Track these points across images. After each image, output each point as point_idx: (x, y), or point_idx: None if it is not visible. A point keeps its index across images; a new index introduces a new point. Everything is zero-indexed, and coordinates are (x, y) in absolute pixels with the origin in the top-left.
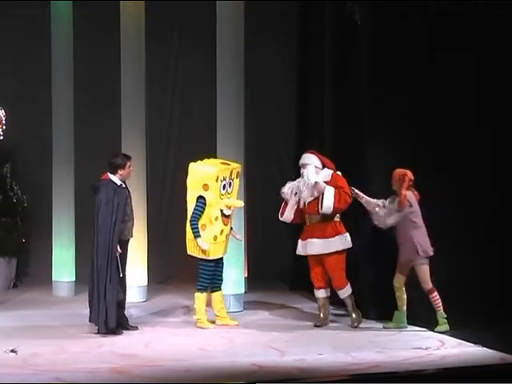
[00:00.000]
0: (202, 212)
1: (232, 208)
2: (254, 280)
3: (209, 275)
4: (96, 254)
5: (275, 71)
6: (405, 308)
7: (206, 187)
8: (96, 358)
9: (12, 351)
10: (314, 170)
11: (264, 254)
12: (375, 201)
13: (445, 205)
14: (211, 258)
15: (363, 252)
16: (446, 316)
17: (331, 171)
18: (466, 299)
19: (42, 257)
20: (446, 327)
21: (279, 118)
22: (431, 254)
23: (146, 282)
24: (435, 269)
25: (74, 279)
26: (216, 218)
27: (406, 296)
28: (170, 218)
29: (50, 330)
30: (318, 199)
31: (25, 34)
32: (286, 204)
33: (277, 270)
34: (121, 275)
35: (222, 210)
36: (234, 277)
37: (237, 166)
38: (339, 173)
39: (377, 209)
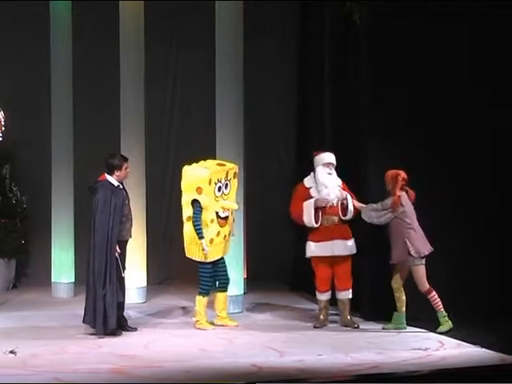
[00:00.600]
0: (201, 212)
1: (230, 210)
2: (254, 281)
3: (208, 277)
4: (93, 255)
5: (275, 71)
6: (404, 309)
7: (199, 190)
8: (95, 358)
9: (11, 352)
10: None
11: (263, 254)
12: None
13: (444, 204)
14: (209, 260)
15: (362, 253)
16: (446, 314)
17: None
18: (466, 300)
19: (42, 258)
20: (448, 325)
21: (279, 118)
22: (425, 253)
23: (145, 283)
24: (435, 269)
25: (73, 280)
26: (212, 221)
27: (404, 297)
28: (170, 219)
29: (50, 330)
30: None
31: (24, 34)
32: (301, 208)
33: (276, 271)
34: (123, 275)
35: (217, 213)
36: (234, 278)
37: (233, 167)
38: None
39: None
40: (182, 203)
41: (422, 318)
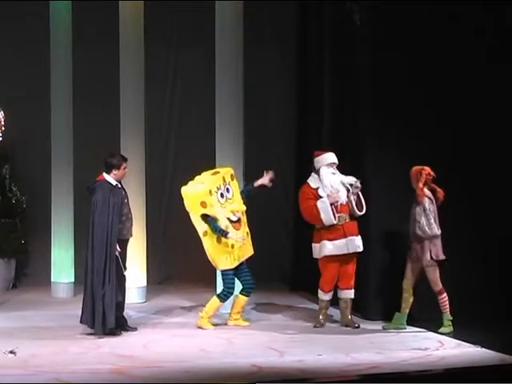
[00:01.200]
0: (216, 220)
1: (238, 212)
2: (254, 281)
3: (233, 284)
4: (91, 255)
5: (275, 71)
6: (407, 311)
7: (203, 204)
8: (95, 358)
9: (11, 352)
10: None
11: (263, 254)
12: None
13: (447, 206)
14: (232, 266)
15: (365, 254)
16: (451, 318)
17: None
18: (466, 300)
19: (41, 258)
20: (449, 329)
21: (279, 118)
22: (443, 258)
23: (145, 283)
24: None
25: (72, 280)
26: (226, 227)
27: (412, 299)
28: (169, 218)
29: (50, 330)
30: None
31: (24, 34)
32: (312, 208)
33: (276, 271)
34: (124, 273)
35: (228, 218)
36: None
37: (227, 170)
38: None
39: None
40: (194, 222)
41: (422, 318)
